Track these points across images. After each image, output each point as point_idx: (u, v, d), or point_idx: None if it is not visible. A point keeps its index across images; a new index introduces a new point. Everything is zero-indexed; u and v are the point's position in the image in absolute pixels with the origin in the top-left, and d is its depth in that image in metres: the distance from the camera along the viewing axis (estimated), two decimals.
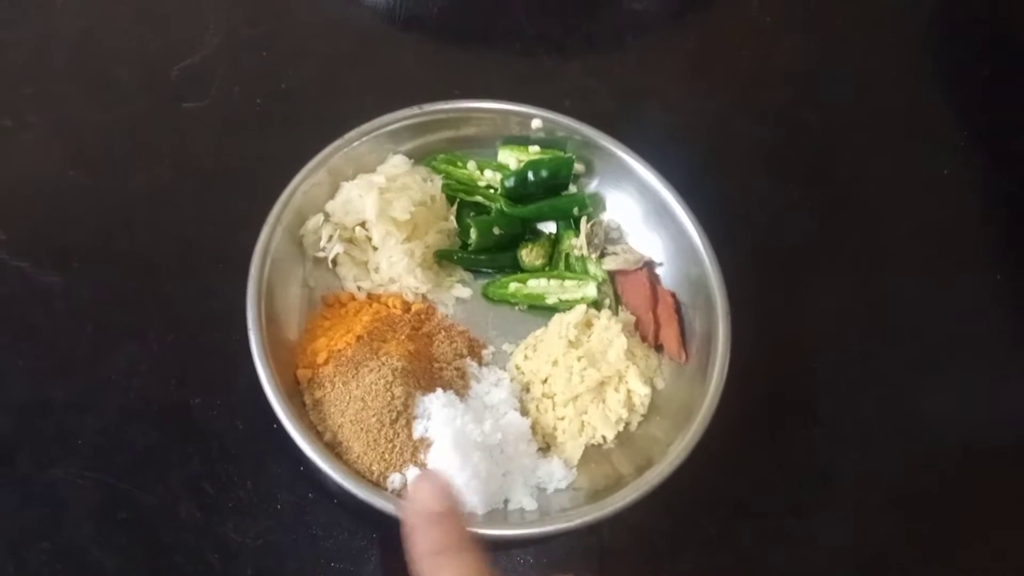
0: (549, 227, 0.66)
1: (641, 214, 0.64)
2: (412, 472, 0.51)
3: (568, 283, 0.62)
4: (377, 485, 0.51)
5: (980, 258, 0.72)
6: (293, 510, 0.54)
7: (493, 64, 0.76)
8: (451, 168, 0.64)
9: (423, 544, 0.38)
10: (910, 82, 0.81)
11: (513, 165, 0.65)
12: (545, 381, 0.58)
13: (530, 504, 0.53)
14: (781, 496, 0.59)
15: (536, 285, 0.62)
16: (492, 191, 0.65)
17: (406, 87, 0.72)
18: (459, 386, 0.56)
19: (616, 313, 0.62)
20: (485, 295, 0.63)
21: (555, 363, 0.57)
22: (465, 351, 0.59)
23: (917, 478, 0.62)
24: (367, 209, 0.58)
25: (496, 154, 0.66)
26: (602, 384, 0.57)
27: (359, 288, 0.60)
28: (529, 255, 0.63)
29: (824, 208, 0.72)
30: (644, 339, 0.61)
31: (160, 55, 0.69)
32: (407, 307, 0.60)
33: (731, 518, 0.58)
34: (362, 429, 0.51)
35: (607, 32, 0.79)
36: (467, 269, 0.64)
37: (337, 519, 0.49)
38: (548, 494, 0.54)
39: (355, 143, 0.60)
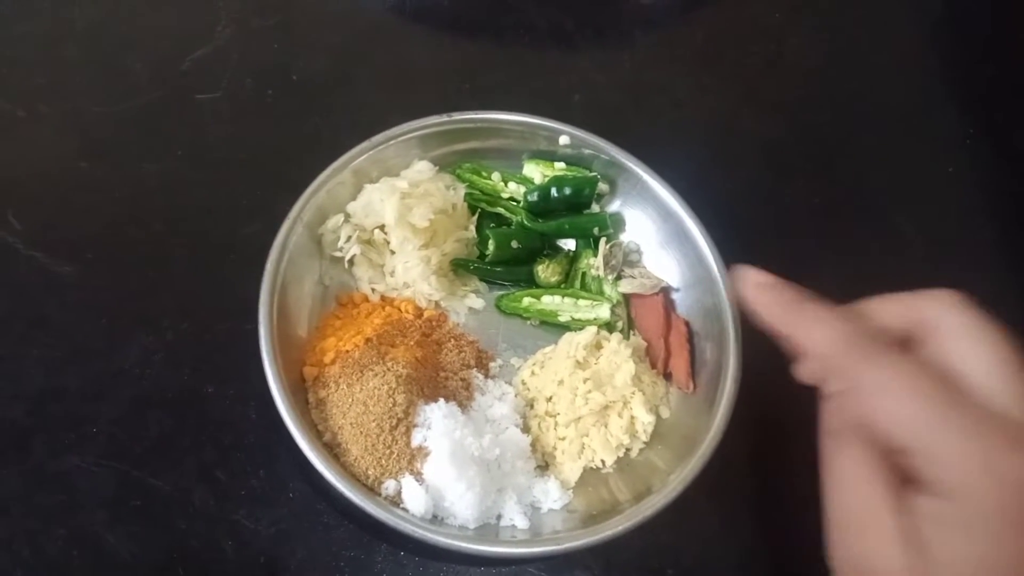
0: (568, 244, 0.65)
1: (661, 238, 0.63)
2: (407, 480, 0.51)
3: (582, 302, 0.62)
4: (371, 490, 0.51)
5: (984, 255, 0.73)
6: (305, 499, 0.54)
7: (503, 57, 0.76)
8: (475, 178, 0.64)
9: (778, 301, 0.46)
10: (916, 80, 0.81)
11: (538, 179, 0.64)
12: (550, 399, 0.57)
13: (522, 522, 0.52)
14: (782, 493, 0.60)
15: (550, 301, 0.62)
16: (514, 204, 0.64)
17: (415, 79, 0.72)
18: (463, 397, 0.56)
19: (628, 337, 0.61)
20: (498, 307, 0.63)
21: (561, 383, 0.57)
22: (473, 362, 0.59)
23: None
24: (387, 213, 0.58)
25: (522, 167, 0.65)
26: (606, 408, 0.56)
27: (373, 290, 0.60)
28: (545, 271, 0.63)
29: (829, 206, 0.72)
30: (653, 366, 0.60)
31: (171, 46, 0.70)
32: (419, 313, 0.60)
33: (732, 513, 0.58)
34: (361, 433, 0.51)
35: (616, 26, 0.79)
36: (482, 280, 0.64)
37: (348, 509, 0.50)
38: (542, 513, 0.54)
39: (382, 146, 0.60)
